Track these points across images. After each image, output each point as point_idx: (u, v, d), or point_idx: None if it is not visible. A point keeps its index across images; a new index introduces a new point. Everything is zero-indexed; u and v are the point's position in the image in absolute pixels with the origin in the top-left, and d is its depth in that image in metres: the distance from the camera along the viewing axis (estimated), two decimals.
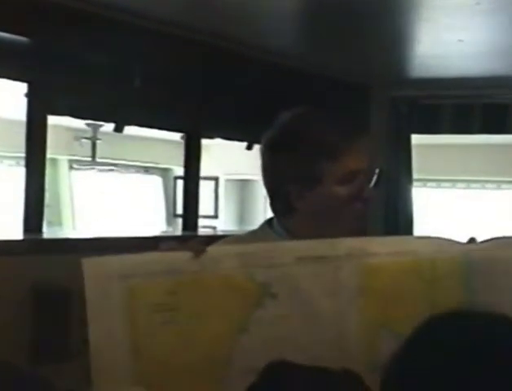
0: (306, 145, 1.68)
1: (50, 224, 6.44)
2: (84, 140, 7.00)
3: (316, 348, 1.35)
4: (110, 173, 8.08)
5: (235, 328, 1.36)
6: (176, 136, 5.43)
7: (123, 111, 3.79)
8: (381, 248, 1.40)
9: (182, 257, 1.38)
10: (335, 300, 1.36)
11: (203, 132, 4.26)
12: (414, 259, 1.38)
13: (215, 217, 7.97)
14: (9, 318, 2.86)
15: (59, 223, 7.40)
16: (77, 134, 6.98)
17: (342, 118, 1.77)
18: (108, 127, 5.09)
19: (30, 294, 2.95)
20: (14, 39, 3.14)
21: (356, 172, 1.67)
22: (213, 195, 8.09)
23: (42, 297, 2.97)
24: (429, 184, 7.80)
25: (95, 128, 6.78)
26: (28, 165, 3.31)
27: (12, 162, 6.89)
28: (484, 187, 7.88)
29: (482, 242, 1.41)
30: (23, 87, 3.31)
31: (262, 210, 7.55)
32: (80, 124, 6.38)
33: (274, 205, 1.77)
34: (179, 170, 6.11)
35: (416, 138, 5.06)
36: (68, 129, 6.66)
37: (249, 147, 4.44)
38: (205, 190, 6.00)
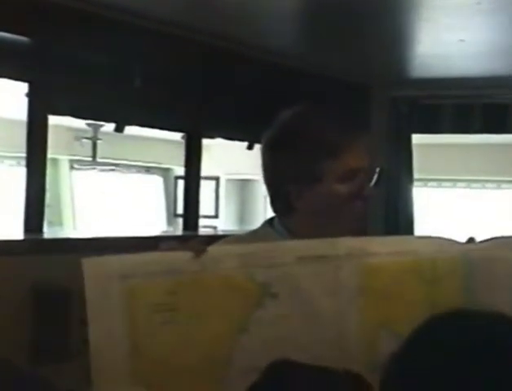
0: (306, 143, 1.68)
1: (50, 224, 6.45)
2: (85, 140, 7.00)
3: (316, 348, 1.35)
4: (111, 173, 8.09)
5: (235, 328, 1.36)
6: (177, 136, 5.43)
7: (124, 111, 3.79)
8: (381, 247, 1.40)
9: (182, 257, 1.38)
10: (335, 299, 1.36)
11: (204, 132, 4.26)
12: (414, 259, 1.38)
13: (216, 216, 7.98)
14: (9, 317, 2.86)
15: (60, 223, 7.40)
16: (77, 134, 6.98)
17: (342, 116, 1.77)
18: (109, 127, 5.10)
19: (30, 294, 2.95)
20: (14, 39, 3.14)
21: (356, 170, 1.67)
22: (213, 194, 8.10)
23: (42, 297, 2.98)
24: (429, 184, 7.81)
25: (96, 128, 6.78)
26: (28, 165, 3.31)
27: (13, 162, 6.89)
28: (485, 187, 7.89)
29: (481, 242, 1.40)
30: (24, 87, 3.32)
31: (263, 210, 7.55)
32: (81, 124, 6.39)
33: (274, 205, 1.77)
34: (180, 170, 6.12)
35: (416, 138, 5.06)
36: (69, 129, 6.66)
37: (250, 147, 4.44)
38: (206, 190, 6.00)
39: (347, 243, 1.40)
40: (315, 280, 1.37)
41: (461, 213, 7.77)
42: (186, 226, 4.23)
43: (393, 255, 1.39)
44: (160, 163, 8.37)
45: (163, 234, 5.51)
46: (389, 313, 1.36)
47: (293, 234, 1.70)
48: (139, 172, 8.46)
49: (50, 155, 3.43)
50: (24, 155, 3.34)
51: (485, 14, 3.27)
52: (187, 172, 4.22)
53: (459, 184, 8.01)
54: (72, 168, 7.68)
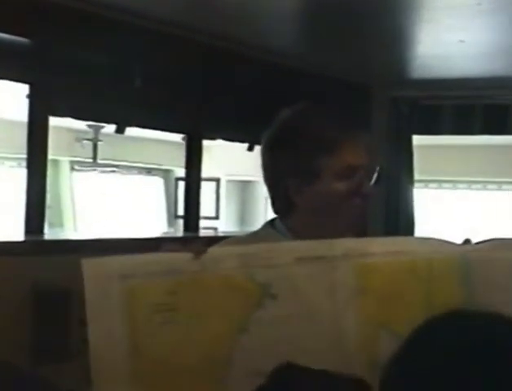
0: (306, 140, 1.68)
1: (51, 225, 6.44)
2: (85, 141, 7.01)
3: (316, 348, 1.35)
4: (111, 175, 8.09)
5: (235, 328, 1.36)
6: (177, 137, 5.43)
7: (124, 112, 3.80)
8: (378, 248, 1.40)
9: (182, 257, 1.38)
10: (333, 300, 1.36)
11: (204, 133, 4.26)
12: (411, 259, 1.38)
13: (216, 218, 7.98)
14: (9, 318, 2.86)
15: (61, 224, 7.41)
16: (78, 136, 6.99)
17: (342, 114, 1.77)
18: (110, 128, 5.10)
19: (31, 294, 2.95)
20: (15, 40, 3.14)
21: (355, 167, 1.67)
22: (214, 196, 8.10)
23: (43, 298, 2.98)
24: (430, 185, 7.81)
25: (97, 129, 6.79)
26: (29, 167, 3.31)
27: (14, 163, 6.90)
28: (485, 188, 7.89)
29: (478, 243, 1.41)
30: (25, 88, 3.32)
31: (263, 211, 7.56)
32: (81, 125, 6.39)
33: (275, 205, 1.77)
34: (181, 171, 6.12)
35: (417, 139, 5.06)
36: (70, 130, 6.67)
37: (250, 148, 4.44)
38: (207, 191, 6.00)
39: (345, 244, 1.40)
40: (313, 281, 1.37)
41: (462, 214, 7.77)
42: (186, 228, 4.23)
43: (390, 255, 1.39)
44: (160, 164, 8.38)
45: (164, 235, 5.51)
46: (388, 313, 1.36)
47: (294, 233, 1.71)
48: (139, 173, 8.47)
49: (50, 157, 3.43)
50: (25, 156, 3.34)
51: (485, 14, 3.28)
52: (187, 173, 4.22)
53: (459, 185, 8.01)
54: (72, 169, 7.68)
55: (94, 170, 7.78)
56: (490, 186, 7.86)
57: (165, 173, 8.60)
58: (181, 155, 4.29)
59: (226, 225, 8.08)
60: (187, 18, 3.52)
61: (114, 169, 8.05)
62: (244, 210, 8.66)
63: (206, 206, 5.90)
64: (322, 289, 1.37)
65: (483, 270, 1.37)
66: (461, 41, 3.73)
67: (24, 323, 2.91)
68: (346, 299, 1.36)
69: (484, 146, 6.96)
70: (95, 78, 3.52)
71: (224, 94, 4.04)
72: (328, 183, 1.67)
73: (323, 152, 1.66)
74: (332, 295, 1.36)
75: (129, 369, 1.35)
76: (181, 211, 4.92)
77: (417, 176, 5.11)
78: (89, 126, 6.67)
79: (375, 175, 1.72)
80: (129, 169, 8.22)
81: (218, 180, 8.09)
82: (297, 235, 1.68)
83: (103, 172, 7.94)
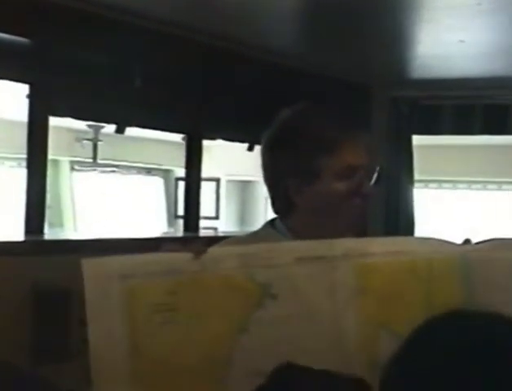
0: (306, 140, 1.68)
1: (51, 225, 6.45)
2: (85, 141, 7.01)
3: (316, 348, 1.35)
4: (111, 175, 8.09)
5: (235, 328, 1.36)
6: (177, 137, 5.43)
7: (124, 112, 3.80)
8: (378, 248, 1.40)
9: (182, 257, 1.38)
10: (333, 300, 1.36)
11: (204, 133, 4.26)
12: (411, 259, 1.38)
13: (216, 218, 7.98)
14: (9, 318, 2.86)
15: (61, 224, 7.41)
16: (78, 136, 6.99)
17: (342, 114, 1.77)
18: (110, 128, 5.10)
19: (31, 294, 2.95)
20: (15, 40, 3.14)
21: (355, 167, 1.67)
22: (214, 196, 8.10)
23: (43, 298, 2.98)
24: (430, 185, 7.81)
25: (97, 129, 6.79)
26: (29, 167, 3.31)
27: (14, 163, 6.90)
28: (485, 188, 7.89)
29: (477, 243, 1.41)
30: (25, 88, 3.32)
31: (264, 211, 7.55)
32: (81, 125, 6.40)
33: (275, 205, 1.77)
34: (181, 171, 6.12)
35: (417, 139, 5.06)
36: (70, 130, 6.67)
37: (250, 148, 4.44)
38: (207, 191, 6.00)
39: (345, 244, 1.40)
40: (313, 281, 1.37)
41: (462, 214, 7.77)
42: (186, 228, 4.23)
43: (390, 255, 1.39)
44: (160, 164, 8.38)
45: (164, 235, 5.51)
46: (387, 313, 1.36)
47: (295, 233, 1.71)
48: (139, 173, 8.47)
49: (50, 157, 3.43)
50: (25, 156, 3.34)
51: (485, 14, 3.28)
52: (187, 173, 4.22)
53: (459, 185, 8.01)
54: (72, 169, 7.68)
55: (95, 170, 7.78)
56: (490, 186, 7.86)
57: (165, 173, 8.61)
58: (181, 155, 4.29)
59: (226, 225, 8.08)
60: (187, 18, 3.52)
61: (114, 169, 8.05)
62: (244, 210, 8.66)
63: (206, 206, 5.90)
64: (322, 289, 1.37)
65: (483, 270, 1.37)
66: (461, 41, 3.73)
67: (24, 323, 2.91)
68: (346, 299, 1.36)
69: (484, 146, 6.96)
70: (95, 78, 3.52)
71: (224, 94, 4.04)
72: (328, 183, 1.67)
73: (323, 152, 1.66)
74: (332, 295, 1.36)
75: (129, 369, 1.35)
76: (181, 211, 4.92)
77: (417, 176, 5.11)
78: (89, 126, 6.67)
79: (375, 175, 1.72)
80: (129, 169, 8.23)
81: (218, 180, 8.09)
82: (298, 234, 1.68)
83: (104, 172, 7.94)
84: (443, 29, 3.56)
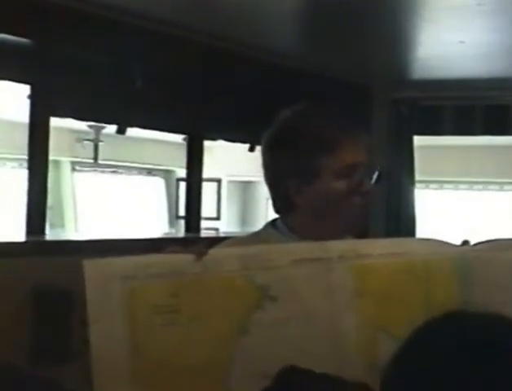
0: (305, 140, 1.69)
1: (52, 226, 6.45)
2: (86, 142, 7.01)
3: (315, 350, 1.35)
4: (112, 175, 8.09)
5: (236, 330, 1.36)
6: (178, 138, 5.44)
7: (125, 113, 3.80)
8: (374, 249, 1.40)
9: (183, 259, 1.38)
10: (331, 302, 1.36)
11: (205, 134, 4.26)
12: (410, 260, 1.38)
13: (217, 218, 7.98)
14: (10, 318, 2.86)
15: (62, 225, 7.41)
16: (79, 136, 6.99)
17: (341, 114, 1.78)
18: (111, 129, 5.10)
19: (31, 295, 2.96)
20: (16, 41, 3.14)
21: (355, 166, 1.68)
22: (215, 196, 8.10)
23: (43, 298, 2.98)
24: (431, 185, 7.81)
25: (98, 130, 6.79)
26: (30, 167, 3.32)
27: (15, 164, 6.90)
28: (486, 189, 7.89)
29: (476, 244, 1.41)
30: (25, 89, 3.32)
31: (265, 212, 7.56)
32: (82, 126, 6.40)
33: (276, 204, 1.77)
34: (182, 172, 6.12)
35: (418, 140, 5.06)
36: (71, 131, 6.68)
37: (252, 149, 4.44)
38: (208, 191, 6.00)
39: (339, 246, 1.41)
40: (310, 283, 1.37)
41: (463, 214, 7.77)
42: (188, 228, 4.23)
43: (388, 256, 1.39)
44: (161, 165, 8.38)
45: (165, 236, 5.51)
46: (386, 314, 1.36)
47: (295, 232, 1.71)
48: (140, 174, 8.47)
49: (51, 157, 3.44)
50: (26, 157, 3.34)
51: (486, 15, 3.28)
52: (188, 174, 4.23)
53: (460, 186, 8.01)
54: (73, 170, 7.69)
55: (95, 171, 7.78)
56: (491, 187, 7.86)
57: (167, 174, 8.61)
58: (182, 156, 4.29)
59: (227, 225, 8.08)
60: (187, 18, 3.52)
61: (115, 169, 8.05)
62: (245, 211, 8.66)
63: (207, 207, 5.90)
64: (319, 291, 1.37)
65: (482, 271, 1.37)
66: (462, 42, 3.73)
67: (25, 324, 2.92)
68: (343, 301, 1.36)
69: (485, 146, 6.96)
70: (96, 79, 3.52)
71: (225, 94, 4.04)
72: (328, 183, 1.67)
73: (323, 152, 1.67)
74: (329, 297, 1.36)
75: (129, 370, 1.35)
76: (182, 212, 4.93)
77: (418, 177, 5.11)
78: (90, 127, 6.67)
79: (375, 174, 1.72)
80: (130, 169, 8.23)
81: (219, 181, 8.09)
82: (298, 234, 1.69)
83: (105, 172, 7.94)
84: (444, 30, 3.56)
